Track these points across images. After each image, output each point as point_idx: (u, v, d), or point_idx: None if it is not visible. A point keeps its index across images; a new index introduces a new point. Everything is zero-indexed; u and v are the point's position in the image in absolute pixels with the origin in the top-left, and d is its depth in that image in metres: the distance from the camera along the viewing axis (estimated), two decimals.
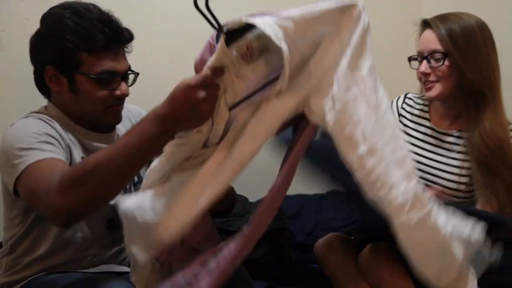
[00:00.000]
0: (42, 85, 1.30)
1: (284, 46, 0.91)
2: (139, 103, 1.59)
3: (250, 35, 0.98)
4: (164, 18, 1.92)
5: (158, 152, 1.02)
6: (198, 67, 1.02)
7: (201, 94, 0.94)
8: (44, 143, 1.18)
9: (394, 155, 0.96)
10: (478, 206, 1.40)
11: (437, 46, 1.40)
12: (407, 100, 1.62)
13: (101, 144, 1.32)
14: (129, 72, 1.33)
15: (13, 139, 1.18)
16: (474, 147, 1.40)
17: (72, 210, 1.02)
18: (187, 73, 2.16)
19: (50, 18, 1.27)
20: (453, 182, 1.45)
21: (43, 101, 1.35)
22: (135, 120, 1.46)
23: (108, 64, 1.25)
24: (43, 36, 1.27)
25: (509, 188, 1.36)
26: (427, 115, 1.55)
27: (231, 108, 1.00)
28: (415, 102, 1.59)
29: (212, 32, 1.02)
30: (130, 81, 1.35)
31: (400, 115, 1.61)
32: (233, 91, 0.99)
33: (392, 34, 2.07)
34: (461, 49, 1.38)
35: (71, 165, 1.23)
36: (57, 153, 1.18)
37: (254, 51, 0.98)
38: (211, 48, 1.03)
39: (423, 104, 1.57)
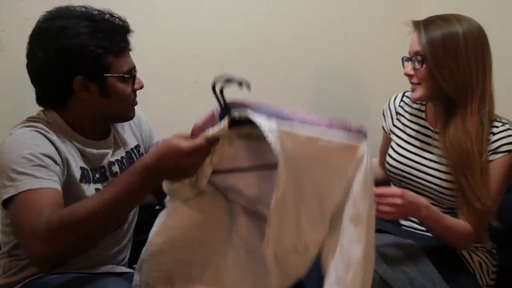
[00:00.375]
0: (60, 96, 1.27)
1: (281, 159, 0.98)
2: (139, 103, 1.60)
3: (252, 127, 1.03)
4: (164, 18, 1.92)
5: (142, 199, 1.09)
6: (196, 131, 1.08)
7: (192, 159, 1.03)
8: (39, 167, 1.15)
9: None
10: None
11: (419, 48, 1.41)
12: (404, 99, 1.62)
13: (99, 151, 1.33)
14: None
15: (8, 157, 1.16)
16: (442, 151, 1.42)
17: (55, 258, 1.07)
18: (186, 73, 2.18)
19: (64, 31, 1.23)
20: (448, 182, 1.45)
21: None
22: (139, 125, 1.48)
23: (129, 61, 1.30)
24: (65, 49, 1.22)
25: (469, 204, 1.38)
26: (423, 115, 1.56)
27: (215, 171, 1.10)
28: (412, 101, 1.60)
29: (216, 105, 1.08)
30: None
31: (397, 113, 1.62)
32: (220, 154, 1.07)
33: (392, 34, 2.07)
34: (437, 55, 1.38)
35: (68, 179, 1.23)
36: (50, 180, 1.15)
37: (252, 136, 1.06)
38: (213, 119, 1.09)
39: (420, 104, 1.57)
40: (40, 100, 1.31)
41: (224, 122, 1.03)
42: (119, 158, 1.38)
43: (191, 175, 1.08)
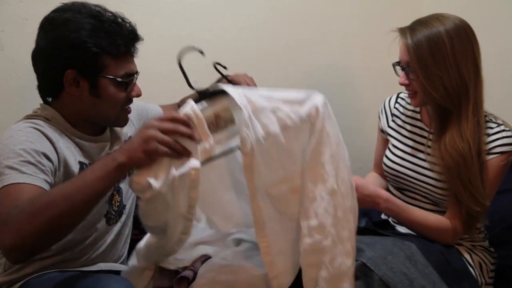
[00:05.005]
0: (53, 88, 1.29)
1: (245, 110, 1.05)
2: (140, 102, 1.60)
3: (219, 106, 1.11)
4: (164, 18, 1.92)
5: (108, 186, 1.08)
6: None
7: (154, 128, 1.06)
8: (27, 163, 1.14)
9: (338, 233, 1.14)
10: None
11: (408, 59, 1.39)
12: (399, 100, 1.62)
13: (98, 145, 1.33)
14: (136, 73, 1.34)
15: (3, 151, 1.16)
16: (436, 158, 1.42)
17: (24, 247, 1.03)
18: (186, 73, 2.15)
19: (67, 23, 1.24)
20: (441, 182, 1.45)
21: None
22: (139, 116, 1.49)
23: (128, 67, 1.28)
24: (63, 41, 1.23)
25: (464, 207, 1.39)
26: (418, 116, 1.55)
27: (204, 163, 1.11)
28: (407, 102, 1.59)
29: None
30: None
31: (393, 115, 1.61)
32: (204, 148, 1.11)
33: (394, 34, 2.07)
34: (425, 66, 1.36)
35: (65, 175, 1.23)
36: (36, 178, 1.14)
37: (220, 122, 1.11)
38: None
39: None
40: (38, 88, 1.32)
41: (189, 100, 1.10)
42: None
43: (154, 146, 1.04)
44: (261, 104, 1.08)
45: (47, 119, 1.27)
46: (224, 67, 1.14)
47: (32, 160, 1.15)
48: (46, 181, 1.15)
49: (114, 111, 1.30)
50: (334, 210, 1.13)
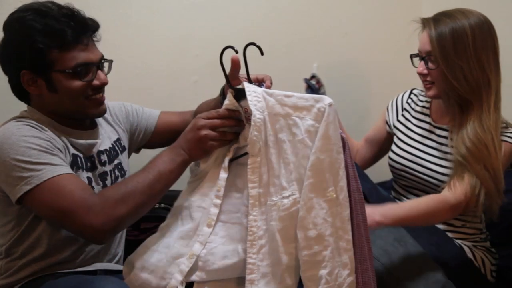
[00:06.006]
0: (20, 91, 1.30)
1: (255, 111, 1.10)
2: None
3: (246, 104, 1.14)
4: (164, 18, 1.92)
5: (179, 174, 1.20)
6: None
7: (206, 123, 1.16)
8: (51, 155, 1.19)
9: (337, 243, 1.10)
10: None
11: (429, 48, 1.41)
12: (412, 96, 1.64)
13: (87, 141, 1.33)
14: (103, 60, 1.32)
15: (14, 149, 1.17)
16: (454, 148, 1.42)
17: (112, 229, 1.16)
18: (186, 73, 2.17)
19: (13, 24, 1.25)
20: (447, 176, 1.45)
21: None
22: (115, 115, 1.48)
23: (81, 57, 1.26)
24: (11, 42, 1.25)
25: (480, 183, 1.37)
26: (427, 111, 1.56)
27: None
28: (418, 98, 1.62)
29: None
30: (105, 69, 1.35)
31: (404, 109, 1.63)
32: (244, 135, 1.16)
33: (393, 33, 2.07)
34: (448, 57, 1.38)
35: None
36: (66, 167, 1.20)
37: (250, 116, 1.13)
38: None
39: (426, 101, 1.58)
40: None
41: (229, 94, 1.16)
42: (107, 148, 1.40)
43: (210, 144, 1.15)
44: (276, 110, 1.11)
45: (35, 121, 1.27)
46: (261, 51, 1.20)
47: (54, 152, 1.21)
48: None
49: (77, 102, 1.28)
50: (333, 219, 1.10)
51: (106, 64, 1.34)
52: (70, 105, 1.28)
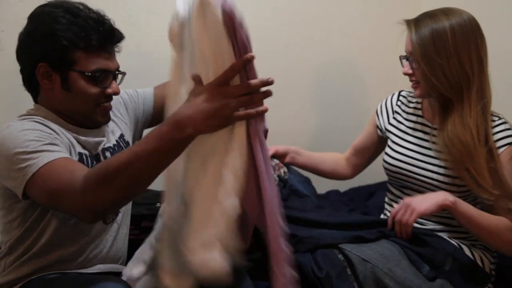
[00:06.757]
0: (31, 83, 1.30)
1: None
2: None
3: None
4: (165, 19, 1.92)
5: (177, 153, 1.02)
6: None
7: (225, 90, 0.99)
8: (50, 144, 1.18)
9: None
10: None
11: (411, 49, 1.43)
12: (401, 98, 1.64)
13: (94, 139, 1.34)
14: (118, 71, 1.34)
15: (15, 143, 1.17)
16: (441, 148, 1.43)
17: (98, 207, 1.07)
18: None
19: (42, 16, 1.27)
20: (446, 176, 1.45)
21: None
22: (117, 110, 1.49)
23: (102, 63, 1.27)
24: (36, 33, 1.26)
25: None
26: (420, 112, 1.56)
27: None
28: (408, 99, 1.61)
29: None
30: (118, 80, 1.37)
31: (394, 112, 1.63)
32: None
33: (392, 33, 2.07)
34: (427, 56, 1.39)
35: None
36: (64, 152, 1.19)
37: None
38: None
39: (417, 102, 1.59)
40: (24, 85, 1.34)
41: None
42: (111, 145, 1.40)
43: (227, 111, 0.98)
44: None
45: (42, 118, 1.28)
46: None
47: (53, 141, 1.19)
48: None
49: (88, 106, 1.30)
50: None
51: (120, 76, 1.36)
52: (79, 107, 1.29)
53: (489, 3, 1.87)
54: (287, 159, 1.69)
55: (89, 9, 1.29)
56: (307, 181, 1.81)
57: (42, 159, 1.14)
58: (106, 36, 1.28)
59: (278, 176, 1.58)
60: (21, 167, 1.15)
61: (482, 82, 1.40)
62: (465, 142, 1.37)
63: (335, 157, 1.79)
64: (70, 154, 1.26)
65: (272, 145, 1.66)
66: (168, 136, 0.98)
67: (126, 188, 1.03)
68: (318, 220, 1.47)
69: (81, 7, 1.29)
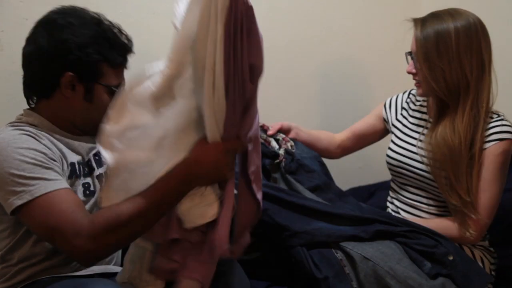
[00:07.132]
0: (46, 87, 1.28)
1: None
2: None
3: None
4: (165, 19, 1.92)
5: (180, 200, 1.14)
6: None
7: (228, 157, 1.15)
8: (46, 169, 1.16)
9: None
10: None
11: (415, 49, 1.43)
12: (410, 96, 1.65)
13: (88, 144, 1.34)
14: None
15: (9, 163, 1.15)
16: (426, 146, 1.44)
17: (102, 254, 1.14)
18: None
19: (72, 27, 1.26)
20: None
21: None
22: None
23: (122, 77, 1.32)
24: (66, 43, 1.24)
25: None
26: (425, 109, 1.57)
27: None
28: (416, 98, 1.62)
29: None
30: None
31: (402, 108, 1.64)
32: None
33: (393, 32, 2.07)
34: (429, 58, 1.39)
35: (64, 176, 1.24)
36: (61, 181, 1.17)
37: None
38: None
39: (423, 100, 1.59)
40: (27, 86, 1.32)
41: None
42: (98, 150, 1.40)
43: (227, 173, 1.15)
44: None
45: (33, 125, 1.27)
46: None
47: (48, 165, 1.18)
48: (66, 181, 1.20)
49: (101, 118, 1.28)
50: None
51: None
52: (95, 117, 1.26)
53: (490, 3, 1.87)
54: (292, 134, 1.68)
55: (107, 19, 1.31)
56: (315, 157, 1.77)
57: (39, 188, 1.13)
58: (126, 51, 1.32)
59: (285, 149, 1.59)
60: (15, 190, 1.13)
61: (481, 87, 1.40)
62: (451, 146, 1.38)
63: (329, 136, 1.81)
64: (63, 168, 1.24)
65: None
66: (179, 190, 1.12)
67: (135, 235, 1.13)
68: (315, 208, 1.43)
69: (99, 17, 1.30)
